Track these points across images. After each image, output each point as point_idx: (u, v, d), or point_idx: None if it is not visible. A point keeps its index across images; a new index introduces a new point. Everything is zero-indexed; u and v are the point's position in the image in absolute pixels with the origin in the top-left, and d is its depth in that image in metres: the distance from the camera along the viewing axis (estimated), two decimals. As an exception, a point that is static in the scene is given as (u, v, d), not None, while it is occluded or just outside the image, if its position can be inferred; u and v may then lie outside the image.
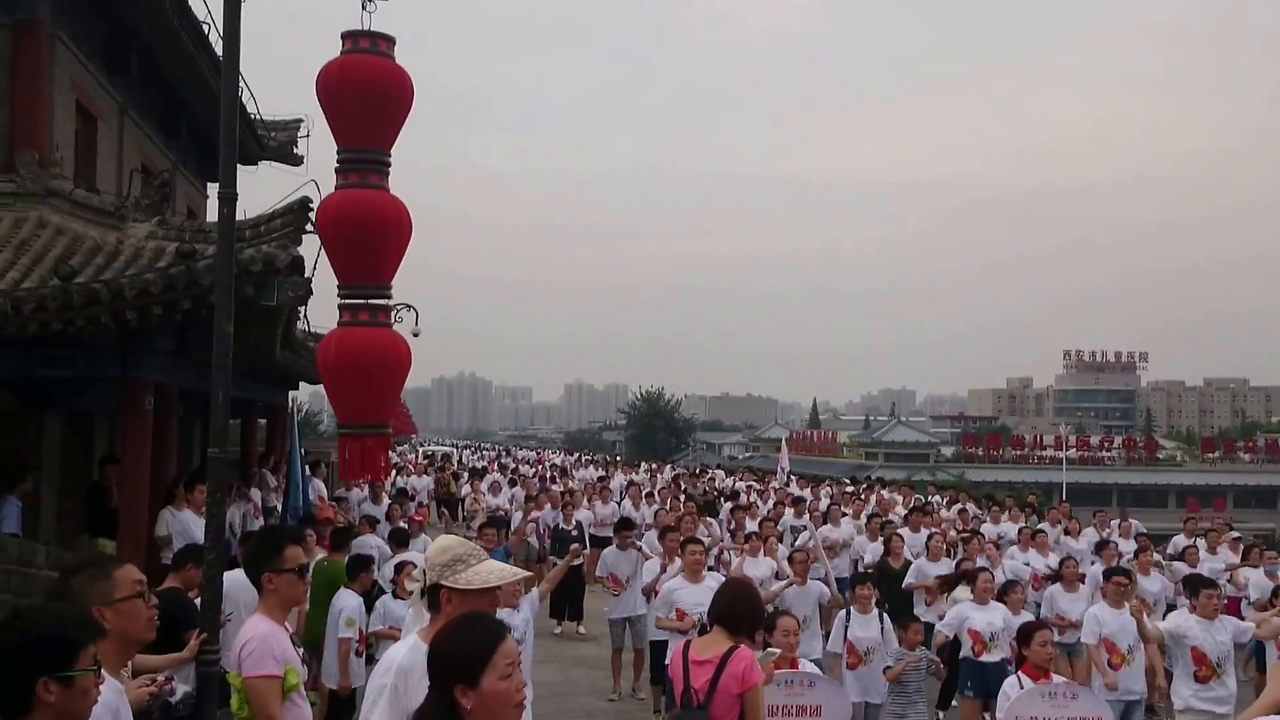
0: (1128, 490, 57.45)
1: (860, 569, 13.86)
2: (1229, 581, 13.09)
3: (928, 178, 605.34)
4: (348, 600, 8.86)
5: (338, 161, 9.76)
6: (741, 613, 5.34)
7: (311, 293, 10.89)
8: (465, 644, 2.90)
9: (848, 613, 9.40)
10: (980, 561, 12.19)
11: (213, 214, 17.99)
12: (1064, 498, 31.01)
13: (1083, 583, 11.60)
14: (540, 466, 36.30)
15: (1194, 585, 8.65)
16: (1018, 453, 72.15)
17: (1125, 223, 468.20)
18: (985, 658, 9.23)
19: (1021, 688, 7.14)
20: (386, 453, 9.33)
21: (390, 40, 9.77)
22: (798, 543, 13.76)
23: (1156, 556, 13.63)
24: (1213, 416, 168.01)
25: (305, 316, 11.96)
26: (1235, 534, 15.98)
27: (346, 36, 9.73)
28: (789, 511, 17.59)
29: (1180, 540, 15.96)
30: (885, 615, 9.61)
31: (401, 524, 13.29)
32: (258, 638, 4.43)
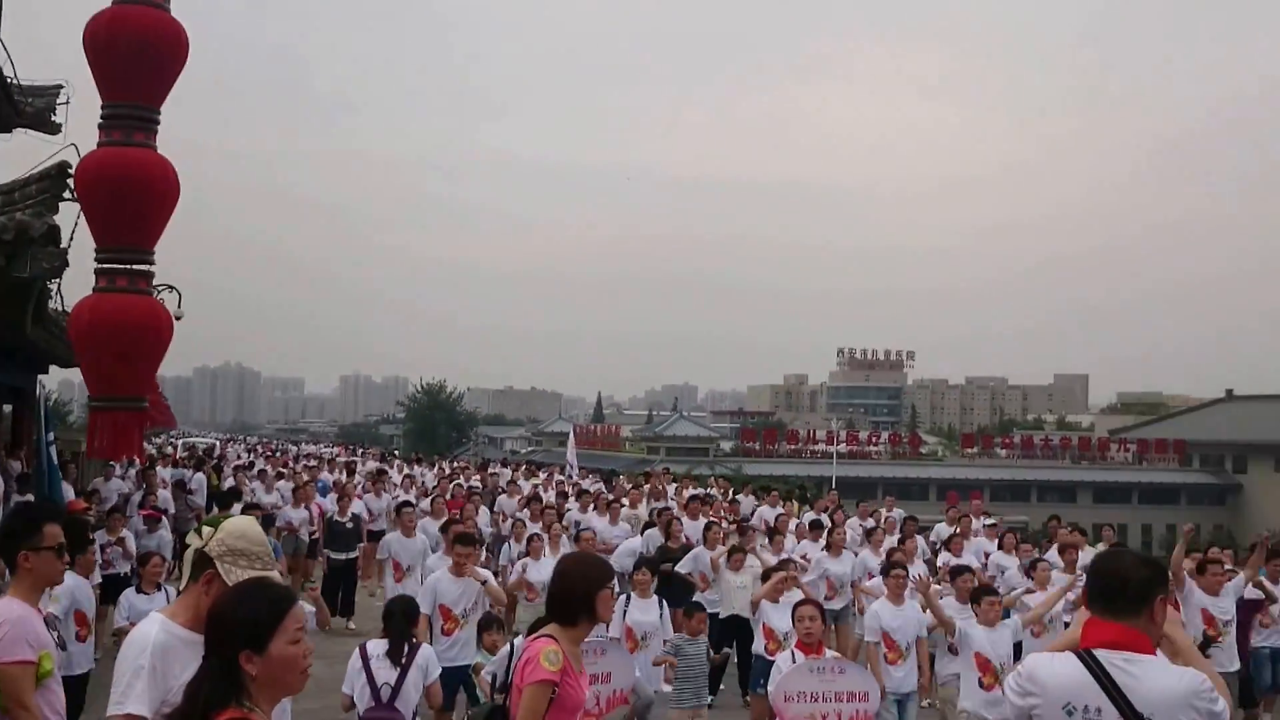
0: (893, 483, 60.23)
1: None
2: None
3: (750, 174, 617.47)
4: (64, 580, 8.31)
5: (101, 117, 9.05)
6: (558, 594, 4.49)
7: (68, 265, 10.11)
8: (253, 609, 2.84)
9: (627, 597, 9.40)
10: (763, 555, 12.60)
11: (-47, 177, 16.55)
12: (833, 490, 32.25)
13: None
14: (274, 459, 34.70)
15: (976, 595, 8.89)
16: (792, 447, 74.57)
17: (900, 233, 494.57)
18: (778, 655, 9.21)
19: (794, 662, 7.36)
20: (141, 429, 8.76)
21: (168, -9, 9.15)
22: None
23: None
24: (973, 414, 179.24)
25: (59, 292, 11.08)
26: (991, 521, 16.95)
27: (120, -14, 9.06)
28: (574, 504, 17.60)
29: (943, 529, 16.89)
30: (664, 601, 9.69)
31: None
32: (11, 621, 4.14)
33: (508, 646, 7.06)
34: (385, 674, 6.83)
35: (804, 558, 13.22)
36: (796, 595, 9.72)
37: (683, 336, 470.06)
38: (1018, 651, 9.18)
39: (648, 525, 15.18)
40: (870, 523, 16.18)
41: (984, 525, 16.39)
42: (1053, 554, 13.19)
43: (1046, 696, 3.61)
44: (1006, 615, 9.23)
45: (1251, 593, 10.88)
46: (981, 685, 8.39)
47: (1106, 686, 3.52)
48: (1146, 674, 3.52)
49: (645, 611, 9.32)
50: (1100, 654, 3.57)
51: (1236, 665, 10.01)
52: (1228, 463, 72.06)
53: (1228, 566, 11.00)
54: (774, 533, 13.95)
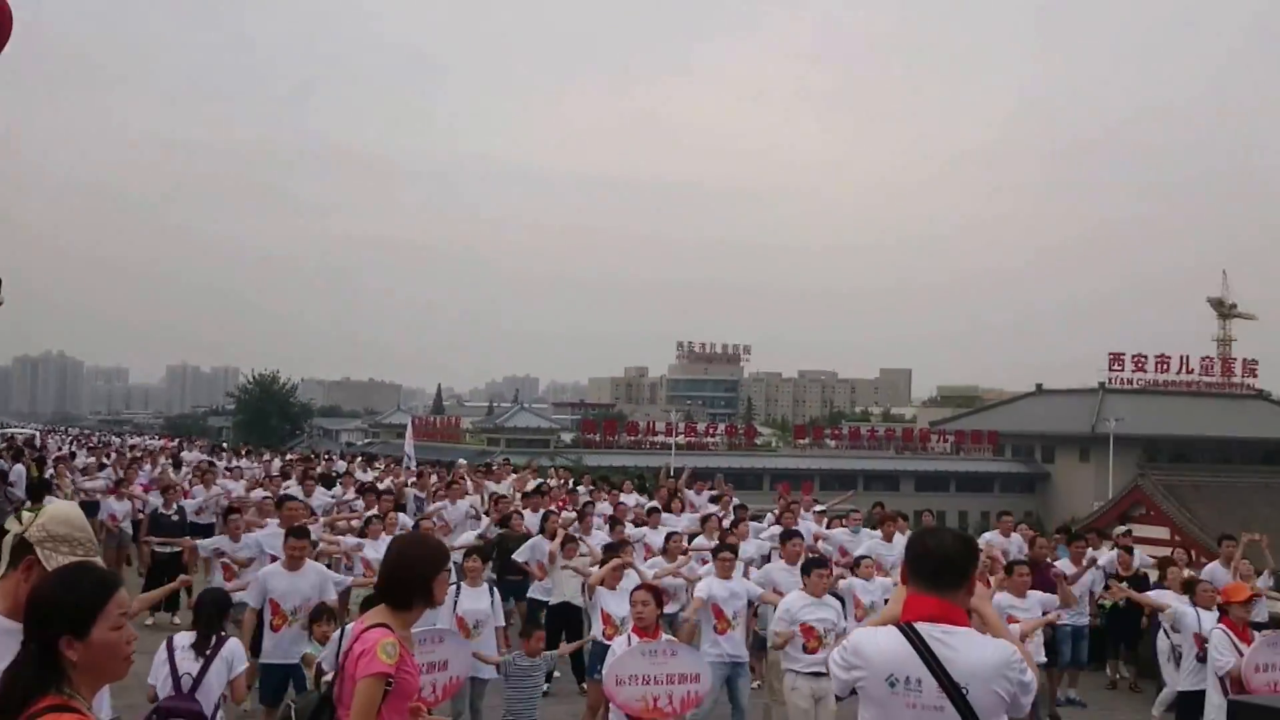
0: (729, 474, 61.21)
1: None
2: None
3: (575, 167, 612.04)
4: None
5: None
6: (394, 576, 4.35)
7: None
8: (76, 593, 2.77)
9: (458, 587, 9.30)
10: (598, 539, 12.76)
11: None
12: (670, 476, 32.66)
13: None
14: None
15: (806, 567, 9.22)
16: (632, 438, 75.39)
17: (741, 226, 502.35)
18: (615, 640, 9.25)
19: (630, 645, 7.50)
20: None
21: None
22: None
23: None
24: (805, 406, 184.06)
25: None
26: (821, 507, 17.59)
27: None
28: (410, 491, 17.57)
29: (772, 521, 17.43)
30: (495, 589, 9.68)
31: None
32: None
33: (337, 633, 7.03)
34: (188, 665, 6.82)
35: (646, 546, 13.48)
36: (634, 580, 9.86)
37: (524, 328, 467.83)
38: None
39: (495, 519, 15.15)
40: (706, 496, 16.72)
41: (814, 512, 16.97)
42: (879, 539, 13.95)
43: (871, 669, 3.77)
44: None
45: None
46: (805, 649, 8.73)
47: (927, 659, 3.69)
48: (963, 646, 3.71)
49: (476, 600, 9.29)
50: (921, 627, 3.75)
51: (1043, 658, 10.51)
52: (1037, 452, 76.16)
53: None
54: (614, 521, 14.13)
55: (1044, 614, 10.17)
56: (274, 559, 10.10)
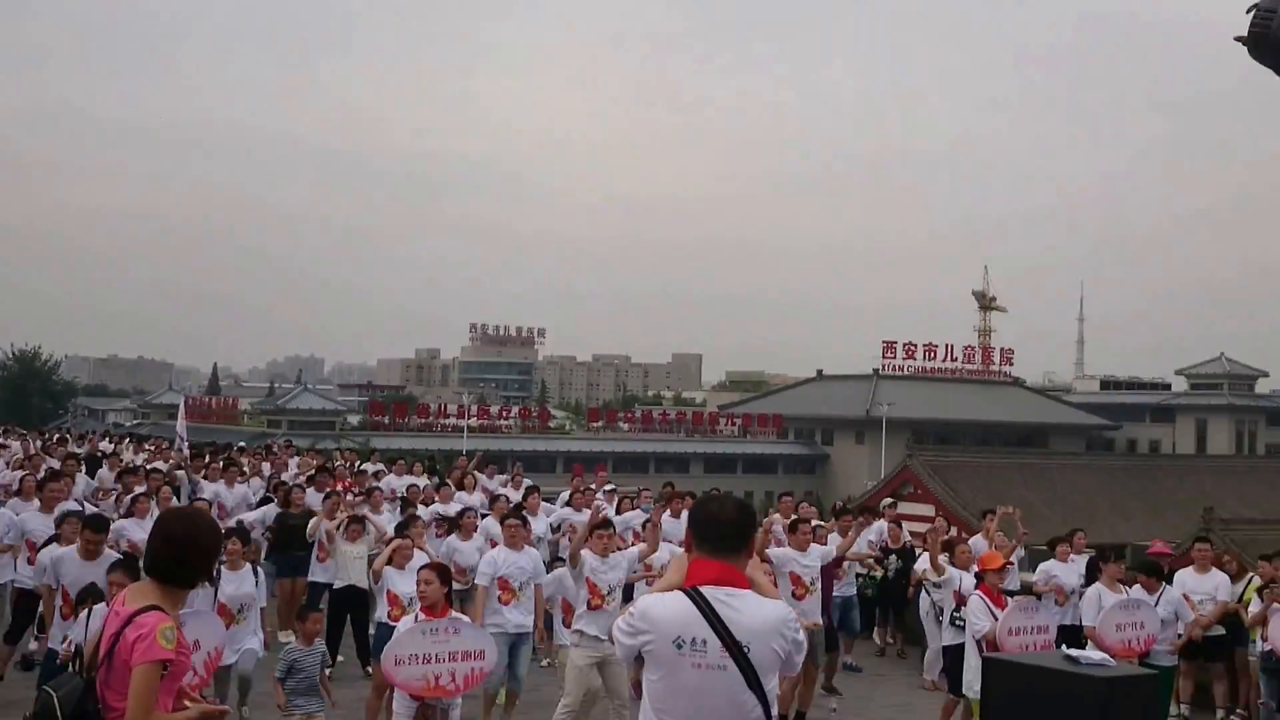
0: (522, 456, 61.47)
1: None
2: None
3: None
4: None
5: None
6: (176, 553, 4.08)
7: None
8: None
9: (219, 572, 8.83)
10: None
11: None
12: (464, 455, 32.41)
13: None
14: None
15: (594, 527, 9.48)
16: (423, 421, 74.50)
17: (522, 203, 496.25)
18: (402, 621, 9.12)
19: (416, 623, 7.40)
20: None
21: None
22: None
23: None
24: (599, 389, 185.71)
25: None
26: (611, 487, 17.93)
27: None
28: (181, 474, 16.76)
29: (565, 495, 17.61)
30: (258, 570, 9.41)
31: None
32: None
33: (85, 612, 6.66)
34: None
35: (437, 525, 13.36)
36: (422, 559, 9.70)
37: (307, 306, 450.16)
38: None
39: (265, 500, 14.70)
40: (498, 480, 16.71)
41: (605, 491, 17.25)
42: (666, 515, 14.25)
43: (658, 631, 3.89)
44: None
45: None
46: (589, 606, 8.96)
47: (712, 620, 3.86)
48: (745, 607, 3.90)
49: (239, 584, 8.91)
50: (706, 591, 3.91)
51: (820, 618, 11.03)
52: (817, 435, 79.58)
53: (816, 523, 12.23)
54: (405, 503, 13.91)
55: (822, 565, 10.77)
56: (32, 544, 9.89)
